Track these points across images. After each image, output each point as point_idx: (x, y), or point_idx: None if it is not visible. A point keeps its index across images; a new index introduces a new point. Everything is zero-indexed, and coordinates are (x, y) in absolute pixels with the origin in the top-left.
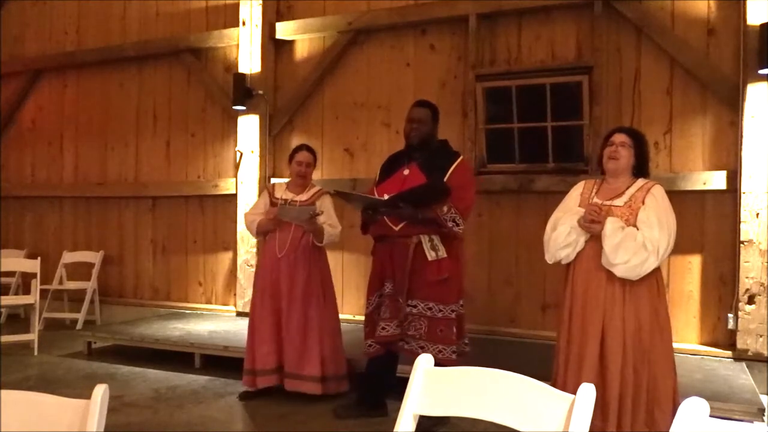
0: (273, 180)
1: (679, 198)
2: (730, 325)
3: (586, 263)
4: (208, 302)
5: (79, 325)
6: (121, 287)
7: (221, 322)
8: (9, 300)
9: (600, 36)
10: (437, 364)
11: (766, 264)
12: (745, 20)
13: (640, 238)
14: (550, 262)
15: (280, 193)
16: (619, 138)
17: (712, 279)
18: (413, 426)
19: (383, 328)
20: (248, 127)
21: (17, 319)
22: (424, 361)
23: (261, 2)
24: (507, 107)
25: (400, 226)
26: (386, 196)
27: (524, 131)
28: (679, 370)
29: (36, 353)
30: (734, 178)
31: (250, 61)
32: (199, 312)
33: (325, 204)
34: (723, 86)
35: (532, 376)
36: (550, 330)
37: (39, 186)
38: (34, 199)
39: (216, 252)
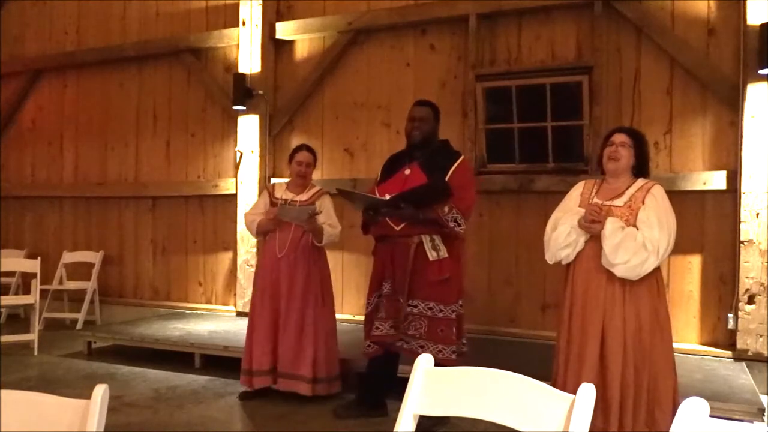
0: (273, 180)
1: (679, 198)
2: (730, 325)
3: (586, 263)
4: (208, 302)
5: (79, 325)
6: (121, 287)
7: (221, 322)
8: (9, 300)
9: (600, 36)
10: (437, 364)
11: (766, 264)
12: (745, 20)
13: (640, 238)
14: (551, 262)
15: (280, 193)
16: (619, 138)
17: (712, 279)
18: (413, 426)
19: (377, 328)
20: (248, 127)
21: (17, 319)
22: (424, 361)
23: (261, 2)
24: (507, 107)
25: (401, 226)
26: (388, 196)
27: (524, 131)
28: (679, 370)
29: (36, 353)
30: (734, 178)
31: (250, 61)
32: (199, 312)
33: (325, 204)
34: (723, 86)
35: (532, 376)
36: (550, 330)
37: (39, 186)
38: (34, 199)
39: (216, 252)
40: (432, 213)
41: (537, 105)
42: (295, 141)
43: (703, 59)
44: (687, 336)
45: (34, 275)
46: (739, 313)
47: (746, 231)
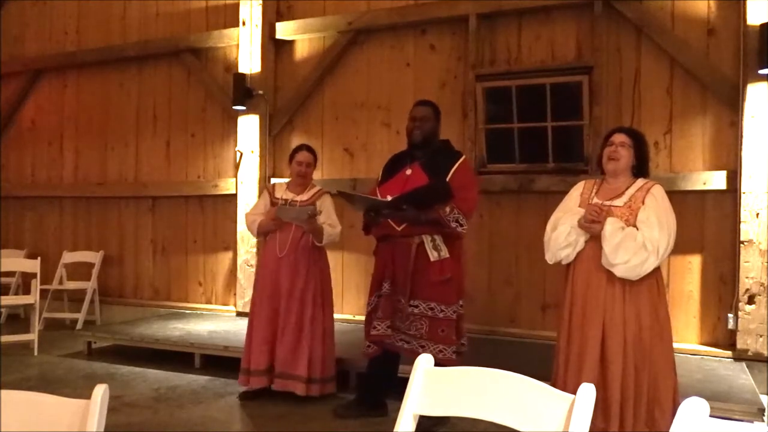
0: (273, 180)
1: (679, 198)
2: (730, 325)
3: (586, 263)
4: (208, 302)
5: (79, 325)
6: (121, 287)
7: (221, 322)
8: (9, 300)
9: (600, 36)
10: (438, 364)
11: (766, 264)
12: (745, 20)
13: (640, 239)
14: (551, 262)
15: (280, 194)
16: (619, 138)
17: (712, 279)
18: (413, 426)
19: (374, 327)
20: (248, 127)
21: (17, 319)
22: (424, 361)
23: (261, 2)
24: (507, 107)
25: (403, 226)
26: (389, 198)
27: (524, 131)
28: (679, 370)
29: (36, 353)
30: (734, 178)
31: (250, 61)
32: (199, 312)
33: (325, 204)
34: (723, 86)
35: (532, 376)
36: (550, 330)
37: (39, 186)
38: (34, 199)
39: (216, 252)
40: (434, 213)
41: (537, 105)
42: (295, 141)
43: (703, 59)
44: (687, 336)
45: (34, 275)
46: (739, 313)
47: (746, 231)
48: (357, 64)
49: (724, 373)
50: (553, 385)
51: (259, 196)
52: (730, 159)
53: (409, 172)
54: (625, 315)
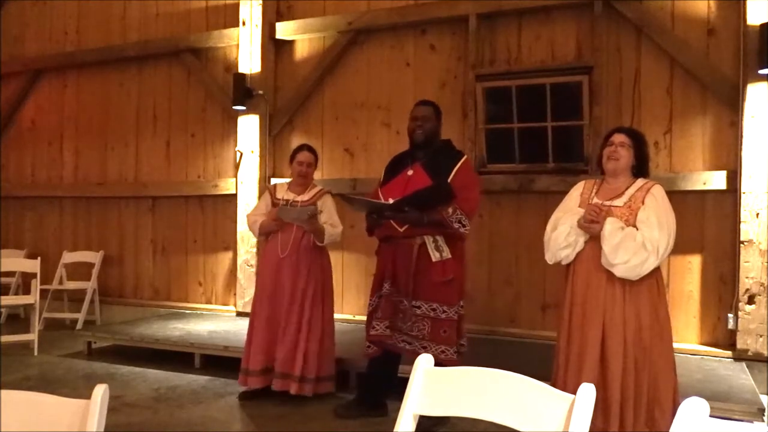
0: (273, 180)
1: (679, 198)
2: (730, 325)
3: (586, 263)
4: (208, 302)
5: (79, 325)
6: (121, 287)
7: (221, 322)
8: (9, 300)
9: (600, 36)
10: (440, 364)
11: (766, 264)
12: (745, 20)
13: (640, 238)
14: (551, 263)
15: (281, 194)
16: (619, 138)
17: (712, 279)
18: (413, 426)
19: (374, 327)
20: (248, 127)
21: (17, 319)
22: (424, 361)
23: (261, 2)
24: (507, 107)
25: (405, 227)
26: (391, 200)
27: (524, 131)
28: (679, 370)
29: (36, 353)
30: (734, 178)
31: (250, 61)
32: (199, 312)
33: (327, 204)
34: (723, 86)
35: (532, 376)
36: (550, 330)
37: (39, 186)
38: (34, 199)
39: (216, 252)
40: (436, 215)
41: (537, 105)
42: (295, 141)
43: (703, 59)
44: (687, 336)
45: (34, 275)
46: (739, 313)
47: (746, 231)
48: (357, 64)
49: (724, 373)
50: (553, 385)
51: (259, 196)
52: (730, 159)
53: (410, 172)
54: (625, 315)
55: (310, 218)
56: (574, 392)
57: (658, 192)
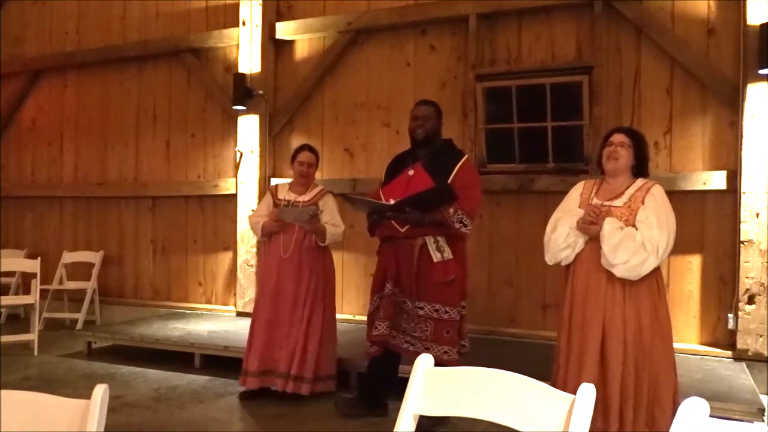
0: (273, 180)
1: (679, 198)
2: (730, 325)
3: (586, 264)
4: (208, 302)
5: (79, 325)
6: (121, 287)
7: (221, 322)
8: (9, 300)
9: (600, 36)
10: (444, 365)
11: (766, 264)
12: (745, 20)
13: (639, 238)
14: (551, 263)
15: (282, 194)
16: (618, 138)
17: (712, 279)
18: (413, 426)
19: (376, 327)
20: (248, 127)
21: (17, 319)
22: (424, 361)
23: (261, 2)
24: (507, 107)
25: (406, 227)
26: (392, 201)
27: (524, 131)
28: (679, 370)
29: (36, 353)
30: (734, 178)
31: (250, 61)
32: (199, 312)
33: (328, 203)
34: (723, 86)
35: (532, 376)
36: (550, 330)
37: (39, 186)
38: (34, 199)
39: (216, 252)
40: (437, 215)
41: (537, 105)
42: (295, 141)
43: (703, 59)
44: (687, 336)
45: (34, 275)
46: (739, 313)
47: (746, 231)
48: (357, 64)
49: (724, 373)
50: (553, 385)
51: (259, 196)
52: (730, 159)
53: (411, 172)
54: (625, 315)
55: (310, 218)
56: (574, 392)
57: (657, 192)
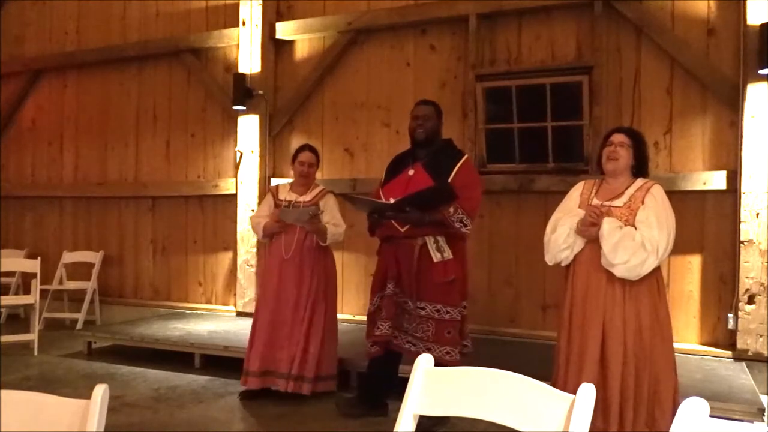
0: (273, 180)
1: (679, 198)
2: (730, 325)
3: (585, 264)
4: (208, 302)
5: (79, 325)
6: (121, 287)
7: (221, 322)
8: (9, 300)
9: (600, 36)
10: (446, 365)
11: (766, 264)
12: (745, 20)
13: (639, 238)
14: (551, 264)
15: (283, 195)
16: (618, 138)
17: (712, 279)
18: (413, 426)
19: (378, 328)
20: (248, 127)
21: (17, 319)
22: (424, 361)
23: (261, 2)
24: (507, 107)
25: (406, 227)
26: (392, 200)
27: (524, 131)
28: (679, 370)
29: (36, 353)
30: (734, 178)
31: (250, 61)
32: (199, 312)
33: (329, 203)
34: (723, 86)
35: (532, 376)
36: (550, 330)
37: (39, 186)
38: (34, 199)
39: (216, 252)
40: (437, 214)
41: (537, 105)
42: (295, 141)
43: (703, 59)
44: (687, 336)
45: (34, 275)
46: (739, 313)
47: (746, 231)
48: (357, 64)
49: (724, 373)
50: (553, 385)
51: (259, 196)
52: (730, 159)
53: (411, 172)
54: (625, 315)
55: (311, 219)
56: (574, 392)
57: (657, 192)
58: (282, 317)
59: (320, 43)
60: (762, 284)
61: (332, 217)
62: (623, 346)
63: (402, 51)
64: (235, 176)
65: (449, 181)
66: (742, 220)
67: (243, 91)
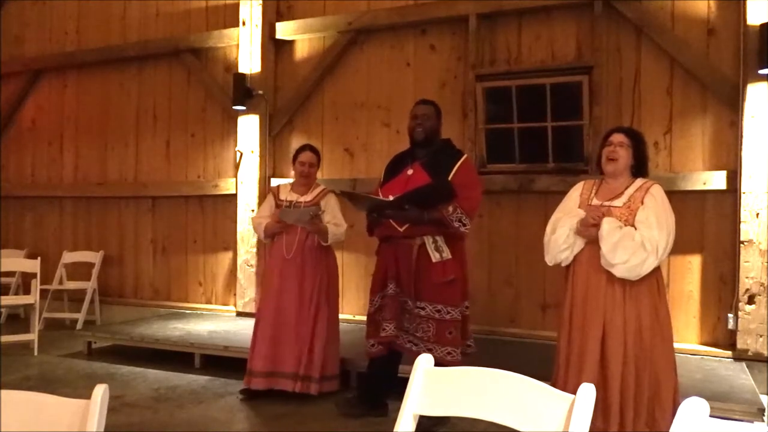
0: (273, 180)
1: (679, 198)
2: (730, 325)
3: (586, 264)
4: (208, 302)
5: (79, 325)
6: (121, 287)
7: (221, 322)
8: (9, 300)
9: (600, 36)
10: (447, 366)
11: (766, 264)
12: (745, 20)
13: (639, 238)
14: (551, 265)
15: (284, 195)
16: (617, 138)
17: (712, 279)
18: (413, 426)
19: (383, 329)
20: (248, 127)
21: (17, 319)
22: (424, 361)
23: (261, 2)
24: (507, 107)
25: (405, 226)
26: (391, 197)
27: (524, 131)
28: (679, 370)
29: (36, 353)
30: (734, 178)
31: (250, 61)
32: (199, 312)
33: (330, 203)
34: (723, 86)
35: (532, 376)
36: (550, 330)
37: (39, 186)
38: (34, 199)
39: (216, 252)
40: (436, 213)
41: (537, 105)
42: (295, 141)
43: (703, 59)
44: (687, 336)
45: (34, 275)
46: (739, 313)
47: (746, 231)
48: (357, 64)
49: (724, 373)
50: (553, 385)
51: (260, 196)
52: (730, 159)
53: (410, 172)
54: (626, 315)
55: (312, 219)
56: (574, 392)
57: (657, 192)
58: (285, 318)
59: (320, 43)
60: (762, 284)
61: (333, 217)
62: (623, 347)
63: (402, 51)
64: (235, 176)
65: (449, 179)
66: (742, 220)
67: (243, 91)
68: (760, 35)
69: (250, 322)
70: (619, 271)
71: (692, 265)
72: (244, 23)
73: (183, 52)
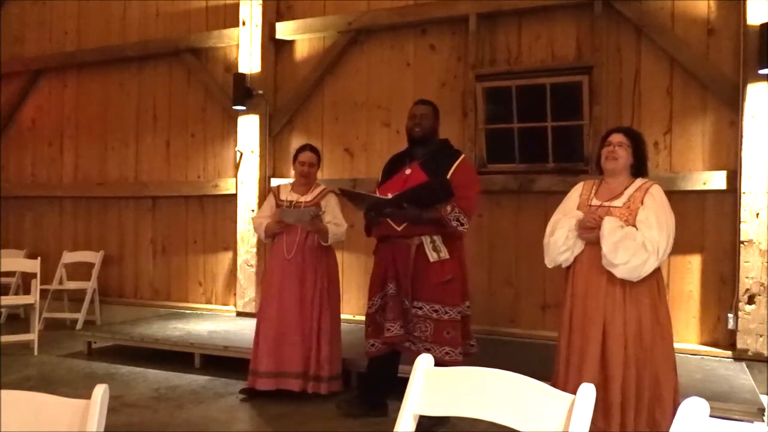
0: (273, 180)
1: (679, 198)
2: (730, 325)
3: (586, 265)
4: (208, 302)
5: (79, 325)
6: (121, 287)
7: (221, 322)
8: (9, 300)
9: (600, 36)
10: (445, 366)
11: (766, 264)
12: (745, 20)
13: (640, 238)
14: (550, 267)
15: (285, 195)
16: (617, 138)
17: (712, 279)
18: (413, 426)
19: (388, 329)
20: (248, 127)
21: (17, 319)
22: (424, 361)
23: (261, 2)
24: (507, 107)
25: (403, 226)
26: (389, 196)
27: (524, 131)
28: (679, 370)
29: (36, 353)
30: (734, 178)
31: (250, 61)
32: (199, 312)
33: (330, 203)
34: (723, 86)
35: (532, 376)
36: (550, 330)
37: (39, 186)
38: (34, 199)
39: (216, 252)
40: (434, 213)
41: (537, 105)
42: (295, 141)
43: (703, 59)
44: (687, 336)
45: (34, 275)
46: (739, 313)
47: (746, 231)
48: (357, 64)
49: (724, 373)
50: (554, 385)
51: (260, 196)
52: (730, 159)
53: (408, 171)
54: (626, 315)
55: (312, 219)
56: (574, 392)
57: (656, 192)
58: (288, 318)
59: (320, 43)
60: (762, 284)
61: (334, 217)
62: (624, 347)
63: (402, 51)
64: (235, 176)
65: (447, 178)
66: (742, 220)
67: (243, 91)
68: (760, 35)
69: (250, 322)
70: (620, 272)
71: (692, 265)
72: (244, 23)
73: (183, 52)
